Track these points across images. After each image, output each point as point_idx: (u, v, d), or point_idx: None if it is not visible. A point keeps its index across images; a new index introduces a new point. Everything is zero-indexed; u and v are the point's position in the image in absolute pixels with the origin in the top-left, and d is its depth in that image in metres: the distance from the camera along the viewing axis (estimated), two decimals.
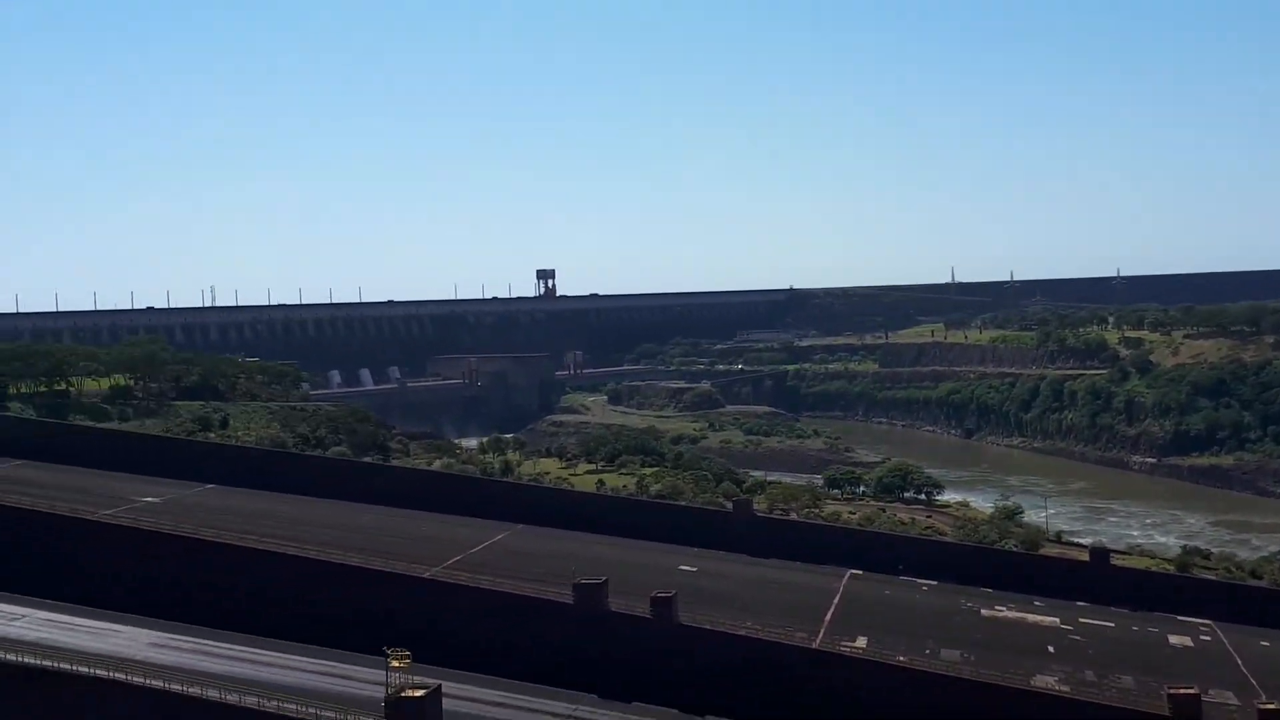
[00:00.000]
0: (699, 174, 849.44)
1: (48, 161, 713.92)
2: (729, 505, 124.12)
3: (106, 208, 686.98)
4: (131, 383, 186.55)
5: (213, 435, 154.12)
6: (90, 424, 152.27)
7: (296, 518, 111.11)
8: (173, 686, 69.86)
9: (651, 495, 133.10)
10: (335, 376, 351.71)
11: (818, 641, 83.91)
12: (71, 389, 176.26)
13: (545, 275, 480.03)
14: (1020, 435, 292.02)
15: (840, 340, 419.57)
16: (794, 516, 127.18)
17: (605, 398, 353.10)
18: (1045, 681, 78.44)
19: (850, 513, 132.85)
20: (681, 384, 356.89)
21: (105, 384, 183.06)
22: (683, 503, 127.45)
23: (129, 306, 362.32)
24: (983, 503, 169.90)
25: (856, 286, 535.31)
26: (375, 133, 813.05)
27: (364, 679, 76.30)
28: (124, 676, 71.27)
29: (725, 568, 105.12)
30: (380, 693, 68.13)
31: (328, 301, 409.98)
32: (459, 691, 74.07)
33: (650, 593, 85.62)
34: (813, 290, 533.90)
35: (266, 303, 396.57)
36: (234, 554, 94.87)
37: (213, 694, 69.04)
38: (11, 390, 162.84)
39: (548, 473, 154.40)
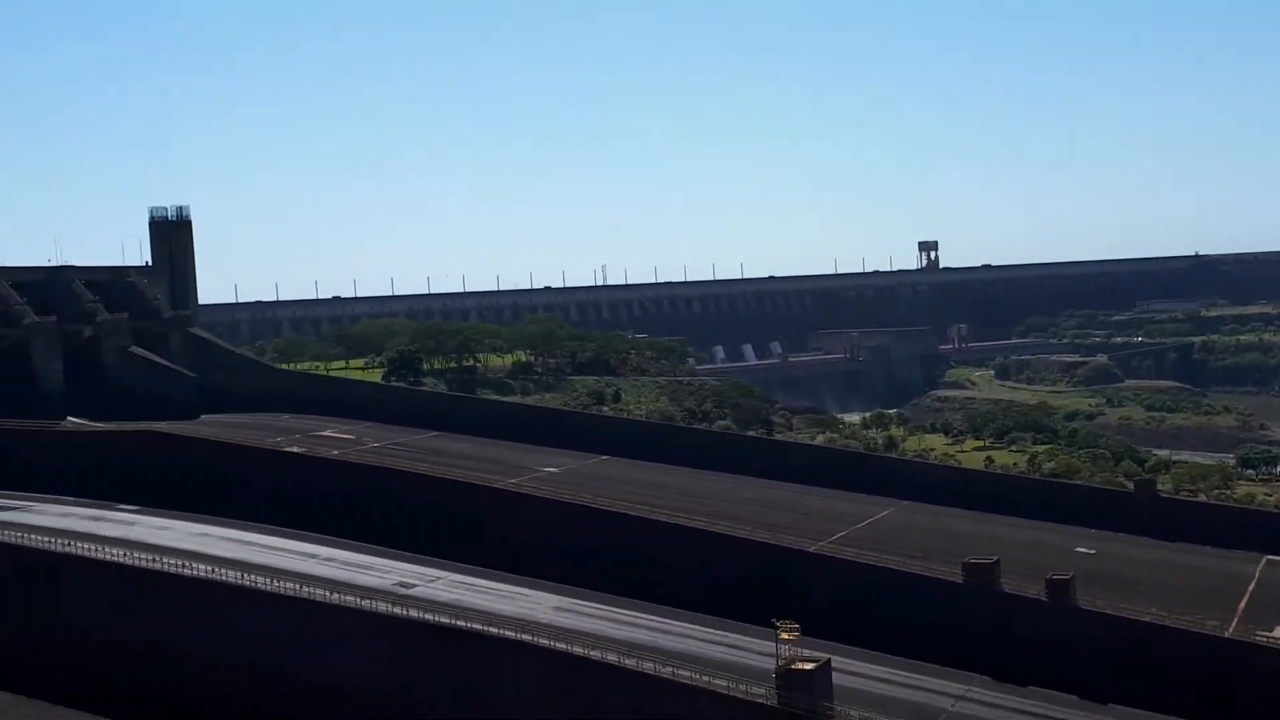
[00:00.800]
0: (1092, 136, 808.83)
1: (460, 153, 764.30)
2: (1129, 485, 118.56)
3: (513, 193, 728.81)
4: (531, 359, 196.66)
5: (606, 409, 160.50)
6: (495, 397, 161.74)
7: (685, 489, 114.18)
8: (575, 649, 72.98)
9: (1044, 474, 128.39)
10: (719, 352, 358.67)
11: (1230, 630, 78.44)
12: (478, 365, 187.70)
13: (927, 247, 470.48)
14: None
15: (1253, 309, 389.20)
16: (1203, 498, 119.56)
17: (992, 372, 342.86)
18: None
19: (1267, 494, 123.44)
20: (1075, 357, 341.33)
21: (508, 360, 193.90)
22: (1078, 482, 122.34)
23: (528, 286, 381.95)
24: None
25: (1271, 251, 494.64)
26: (753, 109, 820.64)
27: (751, 649, 77.43)
28: (530, 638, 75.01)
29: (1126, 550, 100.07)
30: (768, 663, 68.95)
31: (711, 279, 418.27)
32: (845, 666, 73.92)
33: (1044, 574, 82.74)
34: (1220, 256, 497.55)
35: (653, 280, 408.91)
36: (628, 523, 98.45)
37: (612, 658, 71.70)
38: (425, 366, 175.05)
39: (932, 449, 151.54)
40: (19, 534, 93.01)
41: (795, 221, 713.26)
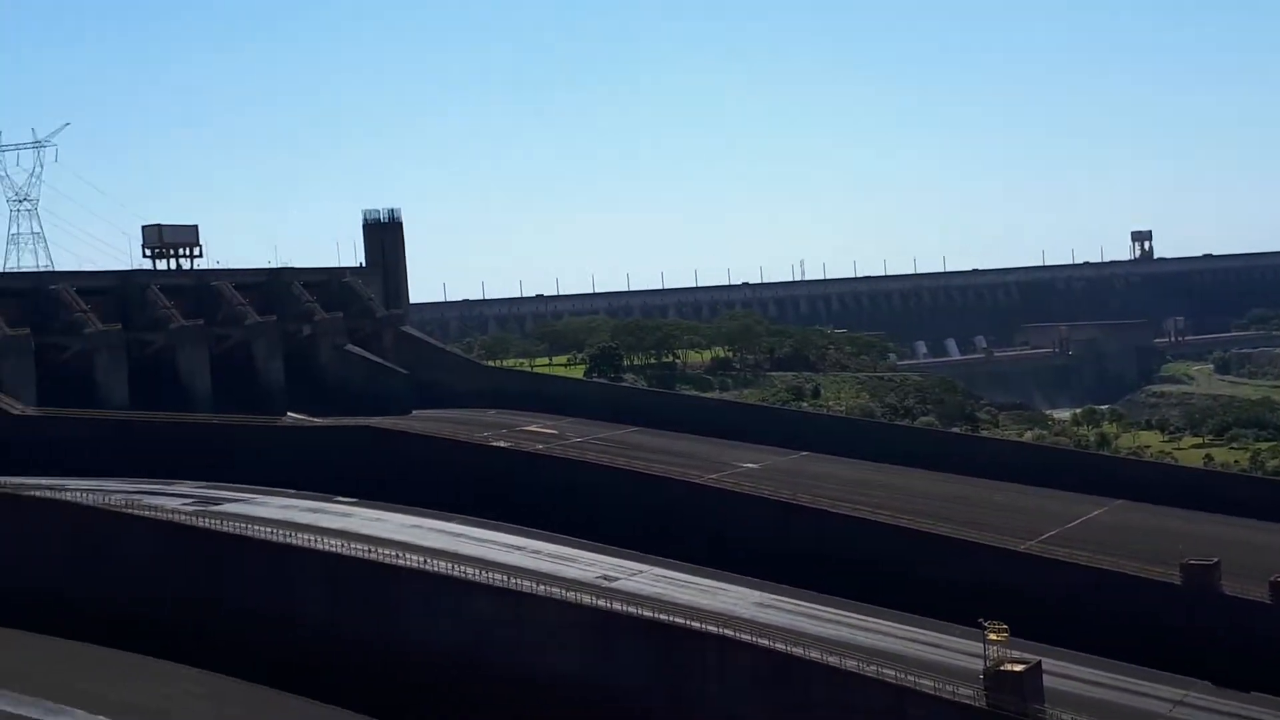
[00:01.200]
0: None
1: (659, 153, 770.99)
2: None
3: (710, 191, 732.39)
4: (730, 354, 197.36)
5: (805, 404, 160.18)
6: (694, 393, 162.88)
7: (886, 485, 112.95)
8: (778, 645, 72.85)
9: (1267, 472, 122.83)
10: (921, 346, 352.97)
11: None
12: (677, 361, 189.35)
13: (1141, 237, 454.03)
14: None
15: None
16: None
17: (1211, 366, 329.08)
18: None
19: None
20: None
21: (706, 356, 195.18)
22: None
23: (726, 283, 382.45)
24: None
25: None
26: (958, 99, 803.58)
27: (954, 648, 75.98)
28: (733, 633, 75.14)
29: None
30: (973, 663, 67.59)
31: (912, 272, 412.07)
32: (1055, 668, 71.90)
33: (1268, 576, 79.21)
34: None
35: (852, 275, 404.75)
36: (830, 520, 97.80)
37: (814, 655, 71.34)
38: (625, 362, 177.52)
39: (1148, 446, 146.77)
40: (243, 524, 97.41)
41: (1001, 212, 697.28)
